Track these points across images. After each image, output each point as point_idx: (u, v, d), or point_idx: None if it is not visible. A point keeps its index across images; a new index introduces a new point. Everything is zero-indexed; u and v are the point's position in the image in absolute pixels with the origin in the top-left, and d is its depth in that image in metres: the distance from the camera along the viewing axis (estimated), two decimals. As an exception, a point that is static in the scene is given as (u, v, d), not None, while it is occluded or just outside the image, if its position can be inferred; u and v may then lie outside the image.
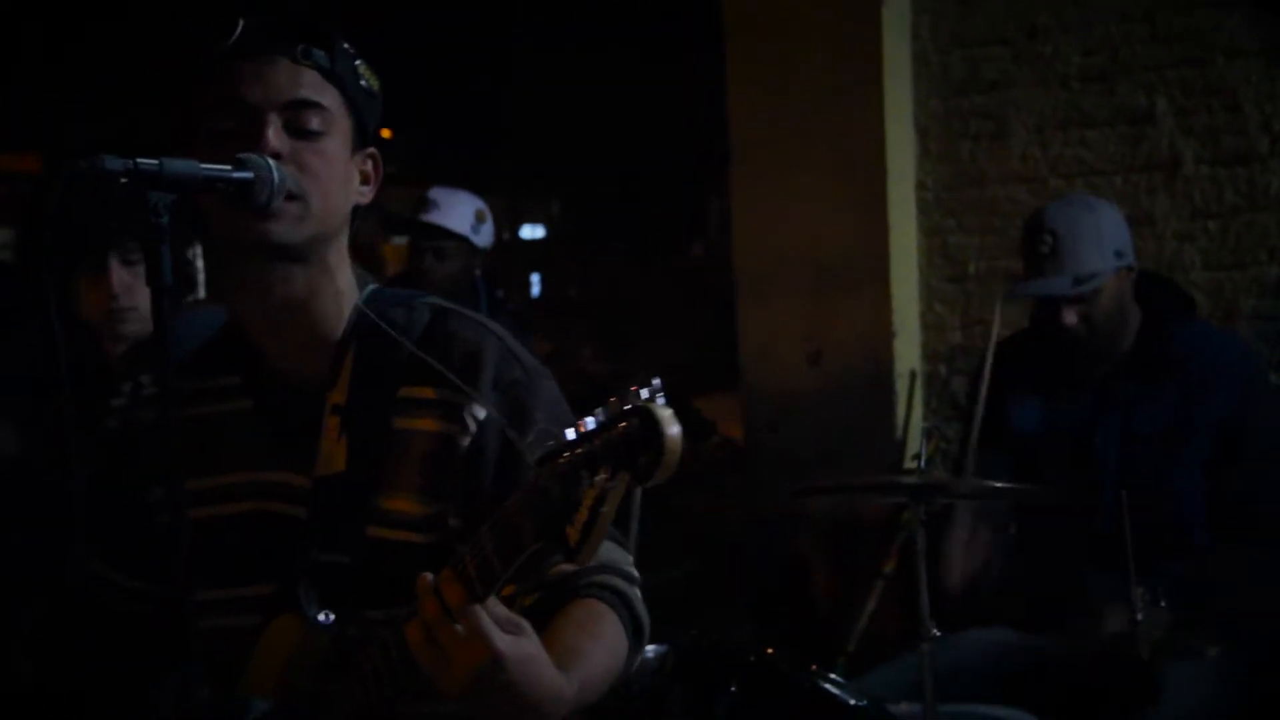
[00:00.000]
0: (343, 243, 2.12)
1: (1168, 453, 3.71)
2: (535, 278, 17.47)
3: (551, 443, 1.67)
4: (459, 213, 5.15)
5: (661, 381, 1.59)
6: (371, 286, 2.17)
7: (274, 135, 1.97)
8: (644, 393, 1.57)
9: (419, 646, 1.75)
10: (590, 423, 1.62)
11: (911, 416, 5.40)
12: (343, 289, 2.10)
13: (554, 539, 1.64)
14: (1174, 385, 3.73)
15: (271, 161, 1.92)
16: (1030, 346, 4.02)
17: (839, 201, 5.49)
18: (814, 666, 3.02)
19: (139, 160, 1.73)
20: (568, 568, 1.99)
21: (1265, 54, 4.75)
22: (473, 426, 2.04)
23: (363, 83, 2.10)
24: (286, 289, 2.04)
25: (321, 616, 1.99)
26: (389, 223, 6.07)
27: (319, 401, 2.08)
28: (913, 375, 5.45)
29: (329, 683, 1.96)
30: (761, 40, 5.67)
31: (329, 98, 2.03)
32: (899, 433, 5.38)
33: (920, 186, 5.51)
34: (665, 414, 1.54)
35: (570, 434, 1.63)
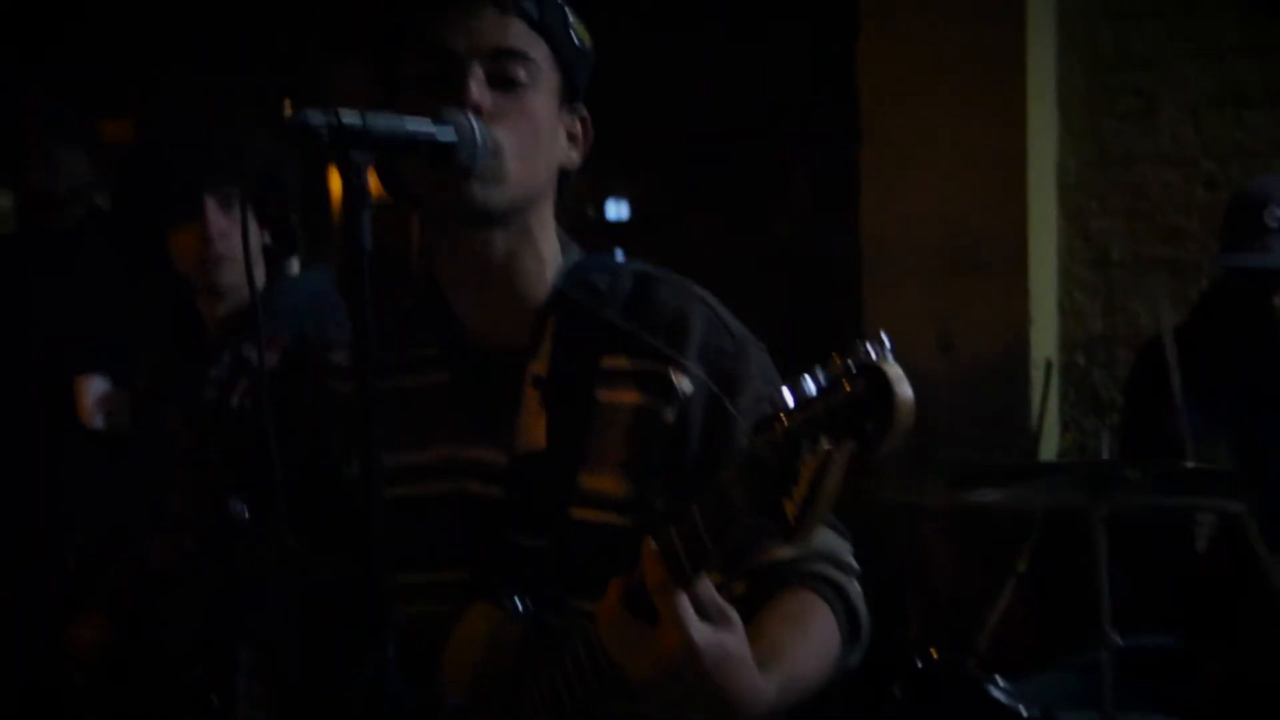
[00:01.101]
0: (547, 207, 2.00)
1: None
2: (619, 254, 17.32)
3: (766, 408, 1.54)
4: None
5: (889, 338, 1.45)
6: (573, 250, 2.05)
7: (477, 87, 1.86)
8: (869, 349, 1.43)
9: (610, 630, 1.68)
10: (809, 385, 1.49)
11: (1047, 408, 5.14)
12: (545, 255, 1.99)
13: (770, 514, 1.52)
14: None
15: (474, 119, 1.80)
16: (1189, 342, 3.78)
17: (974, 181, 5.24)
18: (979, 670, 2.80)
19: (342, 114, 1.63)
20: (781, 552, 1.86)
21: None
22: (678, 399, 1.91)
23: (573, 36, 1.98)
24: (486, 254, 1.94)
25: (519, 604, 1.89)
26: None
27: (519, 373, 1.97)
28: (1049, 365, 5.18)
29: (527, 674, 1.86)
30: (892, 11, 5.43)
31: (536, 49, 1.92)
32: (1033, 424, 5.13)
33: (1062, 168, 5.24)
34: (895, 372, 1.41)
35: (787, 398, 1.50)
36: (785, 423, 1.50)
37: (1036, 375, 5.17)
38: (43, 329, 4.07)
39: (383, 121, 1.68)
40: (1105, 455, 3.78)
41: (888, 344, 1.44)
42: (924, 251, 5.34)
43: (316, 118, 1.62)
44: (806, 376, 1.49)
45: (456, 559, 1.95)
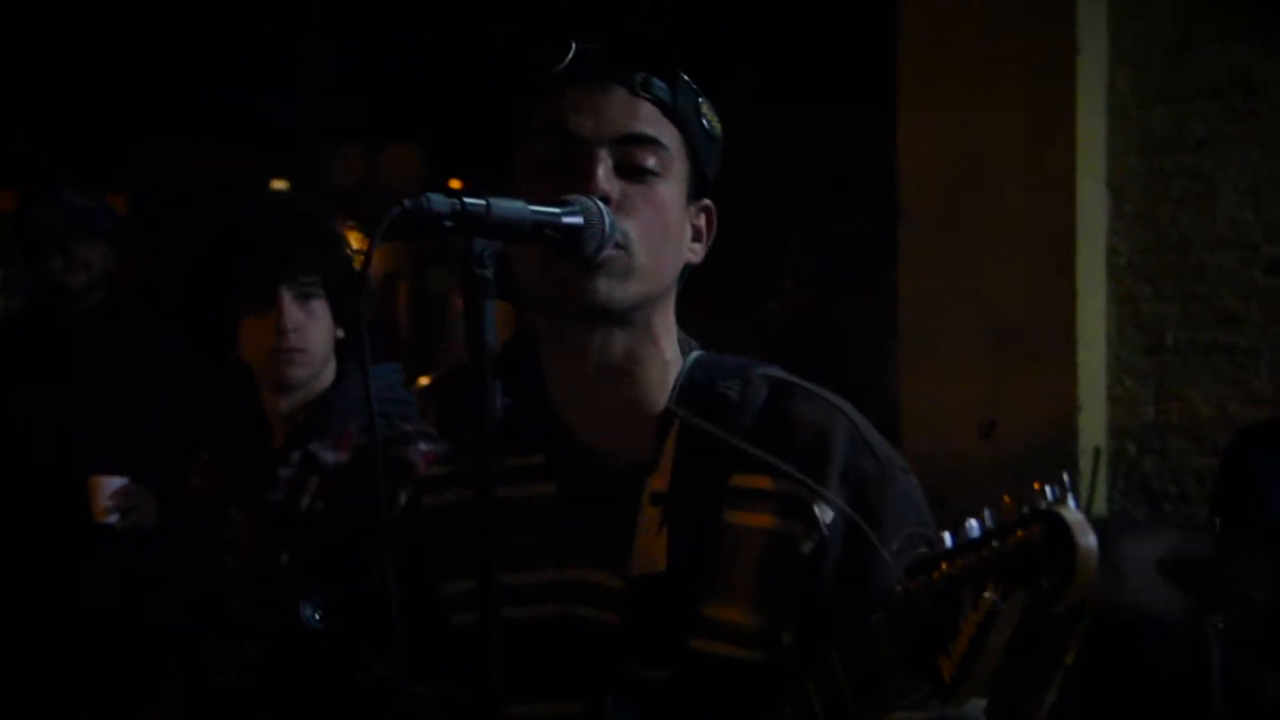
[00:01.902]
0: (670, 306, 1.81)
1: None
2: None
3: (923, 550, 1.42)
4: None
5: (1071, 479, 1.31)
6: (697, 353, 1.85)
7: (604, 174, 1.69)
8: (1049, 491, 1.29)
9: None
10: (973, 527, 1.33)
11: (1095, 498, 4.96)
12: (668, 357, 1.80)
13: (924, 671, 1.37)
14: None
15: (602, 205, 1.64)
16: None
17: (1021, 262, 5.10)
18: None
19: (466, 200, 1.50)
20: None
21: None
22: (818, 528, 1.70)
23: (705, 122, 1.80)
24: (605, 355, 1.75)
25: None
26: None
27: (636, 488, 1.77)
28: (1097, 452, 5.02)
29: None
30: (938, 89, 5.31)
31: (668, 135, 1.75)
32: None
33: (1112, 250, 5.10)
34: (1078, 520, 1.26)
35: (948, 540, 1.35)
36: (945, 568, 1.35)
37: (1084, 463, 5.00)
38: (49, 422, 3.90)
39: (507, 206, 1.53)
40: None
41: (1068, 484, 1.29)
42: (965, 334, 5.19)
43: (441, 203, 1.48)
44: (971, 519, 1.34)
45: (567, 690, 1.75)
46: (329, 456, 2.74)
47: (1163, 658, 3.07)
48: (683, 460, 1.76)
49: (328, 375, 2.79)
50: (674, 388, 1.80)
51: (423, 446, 2.73)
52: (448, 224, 1.49)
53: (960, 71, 5.25)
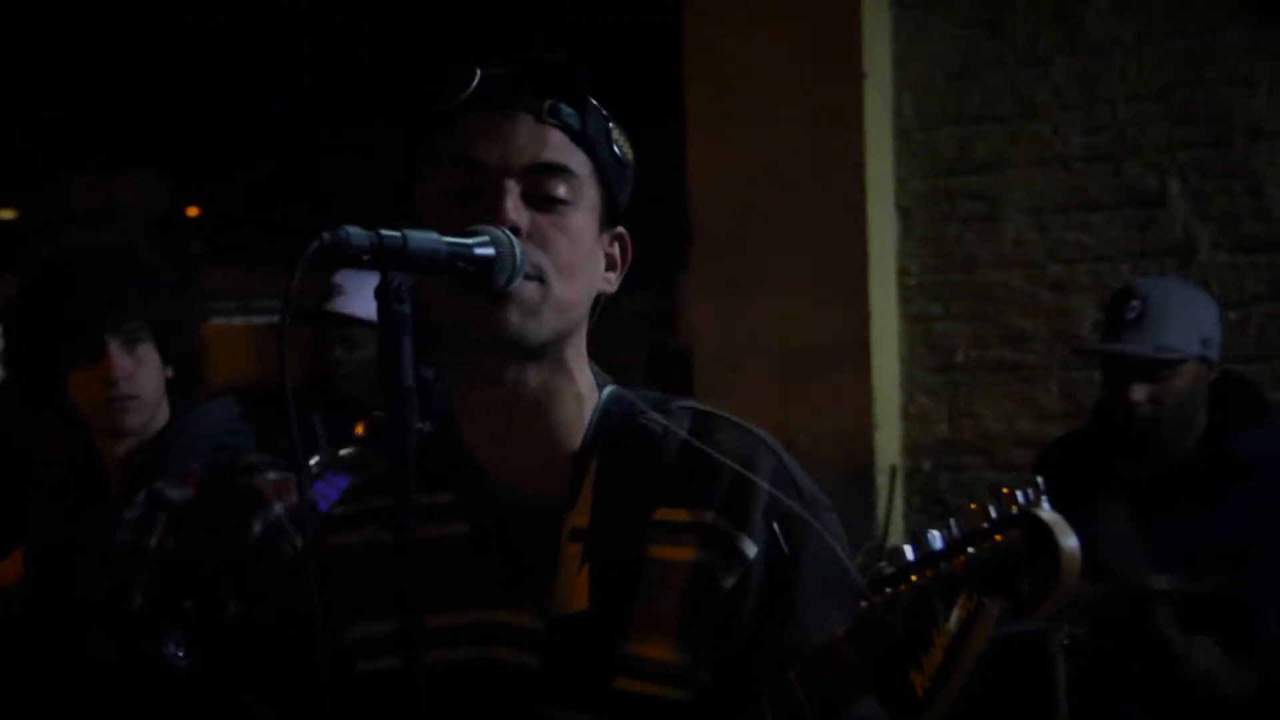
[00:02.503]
0: (582, 337, 1.77)
1: (1238, 570, 3.38)
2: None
3: (882, 564, 1.36)
4: (363, 298, 4.69)
5: (1044, 481, 1.29)
6: (612, 387, 1.80)
7: (513, 205, 1.65)
8: (1020, 494, 1.27)
9: None
10: (936, 538, 1.31)
11: (892, 515, 5.02)
12: (583, 391, 1.77)
13: (894, 688, 1.33)
14: (1243, 495, 3.41)
15: (511, 236, 1.61)
16: (1076, 451, 3.69)
17: (814, 285, 5.14)
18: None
19: (383, 233, 1.47)
20: None
21: (1292, 135, 4.52)
22: (740, 561, 1.67)
23: (615, 148, 1.76)
24: (519, 390, 1.72)
25: None
26: (296, 313, 5.58)
27: (555, 524, 1.73)
28: (893, 470, 5.09)
29: None
30: (727, 112, 5.33)
31: (577, 162, 1.72)
32: (878, 532, 4.99)
33: (902, 270, 5.18)
34: (1058, 521, 1.24)
35: (909, 553, 1.33)
36: (914, 580, 1.32)
37: (881, 481, 5.06)
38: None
39: (422, 239, 1.50)
40: None
41: (1042, 486, 1.27)
42: (759, 355, 5.21)
43: (360, 236, 1.45)
44: (933, 530, 1.32)
45: None
46: (175, 494, 2.73)
47: (1013, 671, 3.09)
48: (603, 495, 1.72)
49: (161, 416, 2.77)
50: (590, 422, 1.75)
51: (271, 475, 2.74)
52: (365, 257, 1.45)
53: (748, 95, 5.27)
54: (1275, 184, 4.55)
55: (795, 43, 5.22)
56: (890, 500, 5.04)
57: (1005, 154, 5.00)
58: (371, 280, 4.70)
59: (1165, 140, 4.72)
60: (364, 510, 1.83)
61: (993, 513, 1.27)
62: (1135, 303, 3.43)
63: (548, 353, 1.70)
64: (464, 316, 1.65)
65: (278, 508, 2.72)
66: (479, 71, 1.70)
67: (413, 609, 1.48)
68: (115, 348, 2.69)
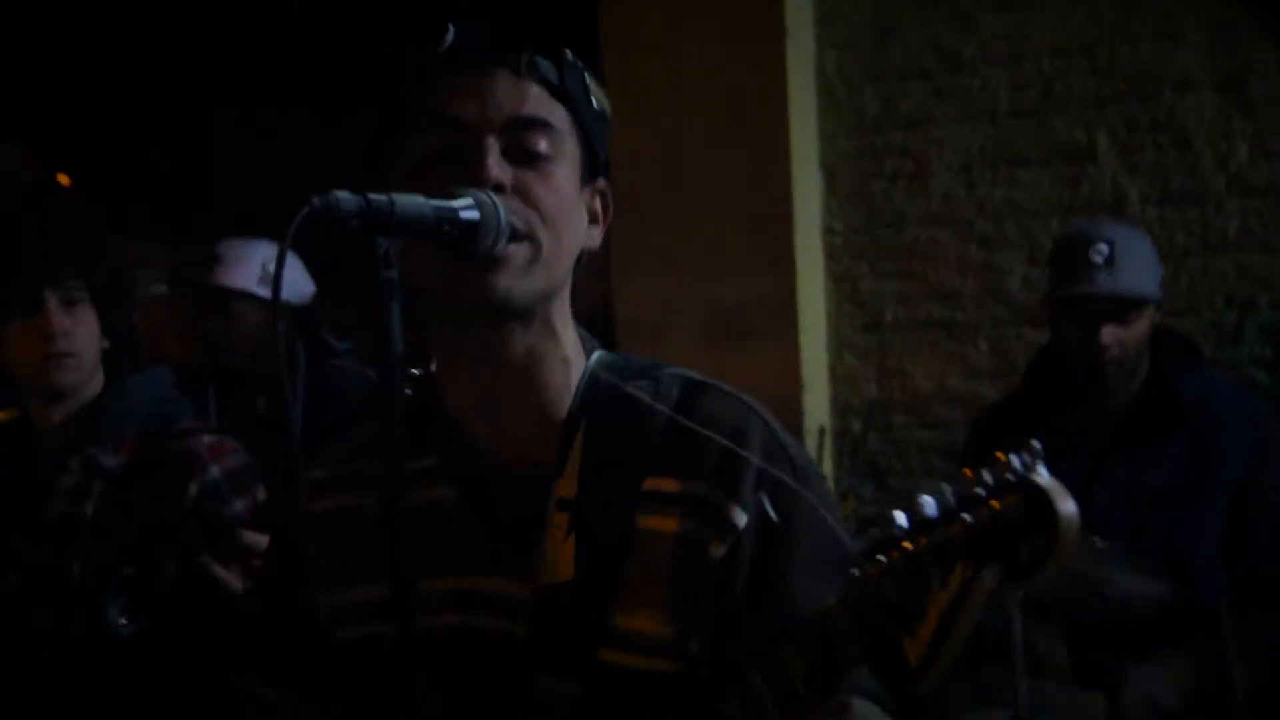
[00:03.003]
0: (566, 297, 1.72)
1: (1179, 512, 3.44)
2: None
3: (875, 530, 1.34)
4: (243, 268, 4.59)
5: (1041, 446, 1.27)
6: (600, 352, 1.76)
7: (494, 162, 1.62)
8: (1016, 460, 1.25)
9: None
10: (930, 504, 1.28)
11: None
12: (569, 354, 1.73)
13: (888, 656, 1.32)
14: (1183, 440, 3.48)
15: (495, 196, 1.58)
16: (1021, 406, 3.72)
17: (739, 245, 5.09)
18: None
19: (370, 196, 1.45)
20: None
21: (1219, 88, 4.54)
22: (731, 531, 1.65)
23: (594, 102, 1.72)
24: (505, 355, 1.69)
25: None
26: (173, 282, 5.45)
27: (542, 493, 1.70)
28: (822, 431, 5.06)
29: None
30: (647, 72, 5.25)
31: (557, 116, 1.69)
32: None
33: (828, 229, 5.14)
34: (1055, 486, 1.23)
35: (902, 519, 1.30)
36: (908, 548, 1.29)
37: (810, 443, 5.03)
38: None
39: (410, 203, 1.48)
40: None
41: (1040, 450, 1.25)
42: (685, 319, 5.15)
43: (349, 201, 1.43)
44: (926, 496, 1.30)
45: (470, 704, 1.65)
46: (109, 461, 2.71)
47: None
48: (591, 464, 1.69)
49: (96, 384, 2.76)
50: (578, 388, 1.72)
51: (206, 439, 2.74)
52: (354, 223, 1.43)
53: (669, 56, 5.20)
54: (1203, 137, 4.57)
55: (716, 1, 5.16)
56: (820, 461, 5.01)
57: (931, 110, 4.98)
58: (252, 250, 4.62)
59: (1093, 95, 4.72)
60: (343, 474, 1.78)
61: (988, 479, 1.25)
62: (1102, 246, 3.43)
63: (534, 313, 1.67)
64: (452, 281, 1.61)
65: (214, 470, 2.72)
66: (453, 28, 1.67)
67: (407, 577, 1.46)
68: (54, 304, 2.67)
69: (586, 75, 1.72)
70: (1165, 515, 3.44)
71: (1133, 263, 3.44)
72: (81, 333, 2.70)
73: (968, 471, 1.26)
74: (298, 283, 4.61)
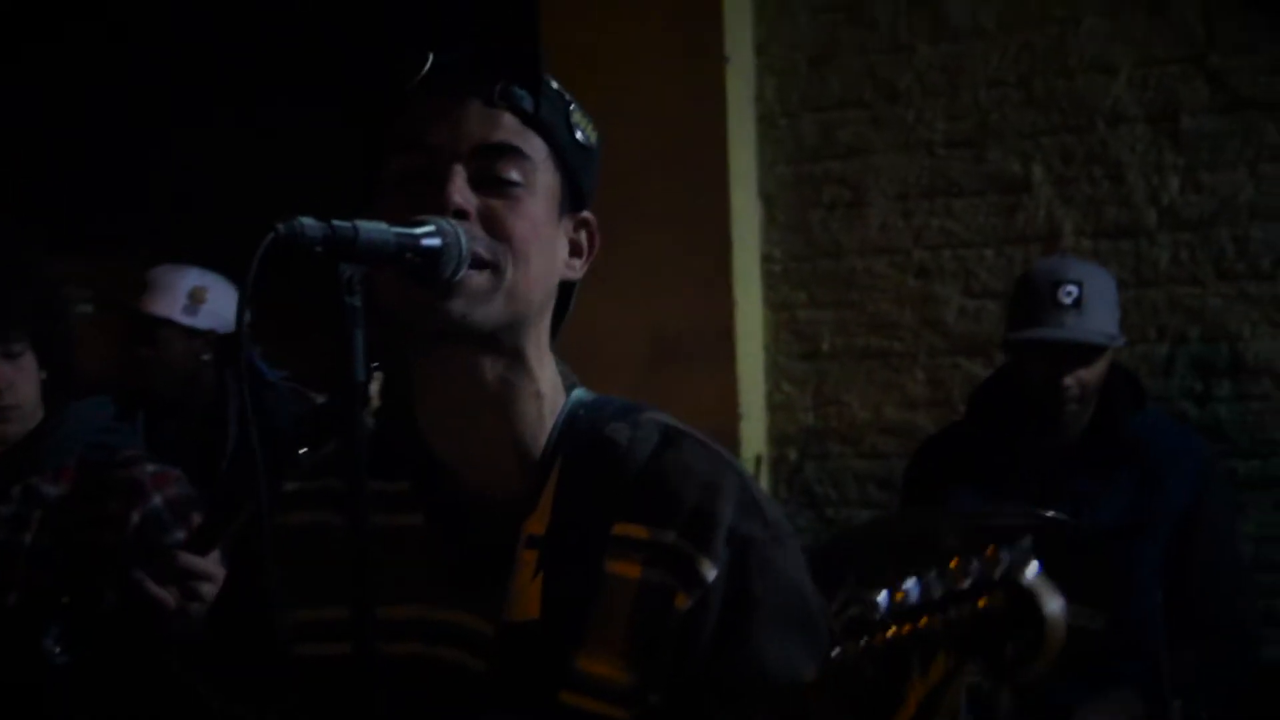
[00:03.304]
0: (543, 330, 1.72)
1: (1123, 548, 3.45)
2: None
3: (855, 608, 1.33)
4: (168, 296, 4.59)
5: (1033, 539, 1.27)
6: (580, 390, 1.77)
7: (457, 187, 1.63)
8: (1004, 554, 1.24)
9: None
10: (913, 589, 1.28)
11: (759, 505, 4.99)
12: (544, 390, 1.72)
13: None
14: (1128, 476, 3.51)
15: (456, 224, 1.58)
16: (965, 437, 3.72)
17: (677, 271, 5.08)
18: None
19: (335, 223, 1.46)
20: None
21: (1151, 121, 4.56)
22: (699, 585, 1.64)
23: (578, 132, 1.73)
24: (473, 383, 1.68)
25: None
26: (102, 306, 5.43)
27: (512, 528, 1.69)
28: (759, 460, 5.06)
29: None
30: (587, 98, 5.21)
31: (531, 145, 1.69)
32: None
33: (766, 257, 5.14)
34: (1043, 586, 1.22)
35: (882, 600, 1.30)
36: (891, 633, 1.28)
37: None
38: None
39: (373, 230, 1.49)
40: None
41: (1028, 546, 1.25)
42: (623, 344, 5.13)
43: (314, 228, 1.43)
44: (910, 579, 1.29)
45: None
46: (50, 489, 2.71)
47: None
48: (563, 504, 1.68)
49: (37, 415, 2.77)
50: (554, 425, 1.71)
51: (150, 468, 2.74)
52: (318, 249, 1.43)
53: (608, 81, 5.18)
54: (1136, 170, 4.58)
55: (656, 27, 5.15)
56: (757, 489, 5.00)
57: (869, 140, 4.98)
58: (181, 278, 4.59)
59: (1028, 126, 4.74)
60: (314, 490, 1.78)
61: (975, 571, 1.24)
62: (1071, 287, 3.44)
63: (502, 342, 1.65)
64: (413, 307, 1.60)
65: (156, 499, 2.71)
66: (431, 56, 1.68)
67: (368, 603, 1.45)
68: None
69: (571, 106, 1.73)
70: (1111, 551, 3.45)
71: (1100, 304, 3.47)
72: (23, 381, 2.71)
73: (954, 562, 1.25)
74: (225, 311, 4.58)
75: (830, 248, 5.04)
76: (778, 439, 5.11)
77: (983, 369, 4.60)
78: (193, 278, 4.56)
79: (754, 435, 5.08)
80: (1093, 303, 3.46)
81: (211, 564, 2.42)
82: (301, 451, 2.13)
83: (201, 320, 4.54)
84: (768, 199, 5.15)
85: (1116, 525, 3.48)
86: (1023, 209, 4.74)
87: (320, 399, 4.65)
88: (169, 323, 4.51)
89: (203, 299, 4.54)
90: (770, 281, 5.14)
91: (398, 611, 1.66)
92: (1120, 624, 3.27)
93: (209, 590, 2.39)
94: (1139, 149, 4.59)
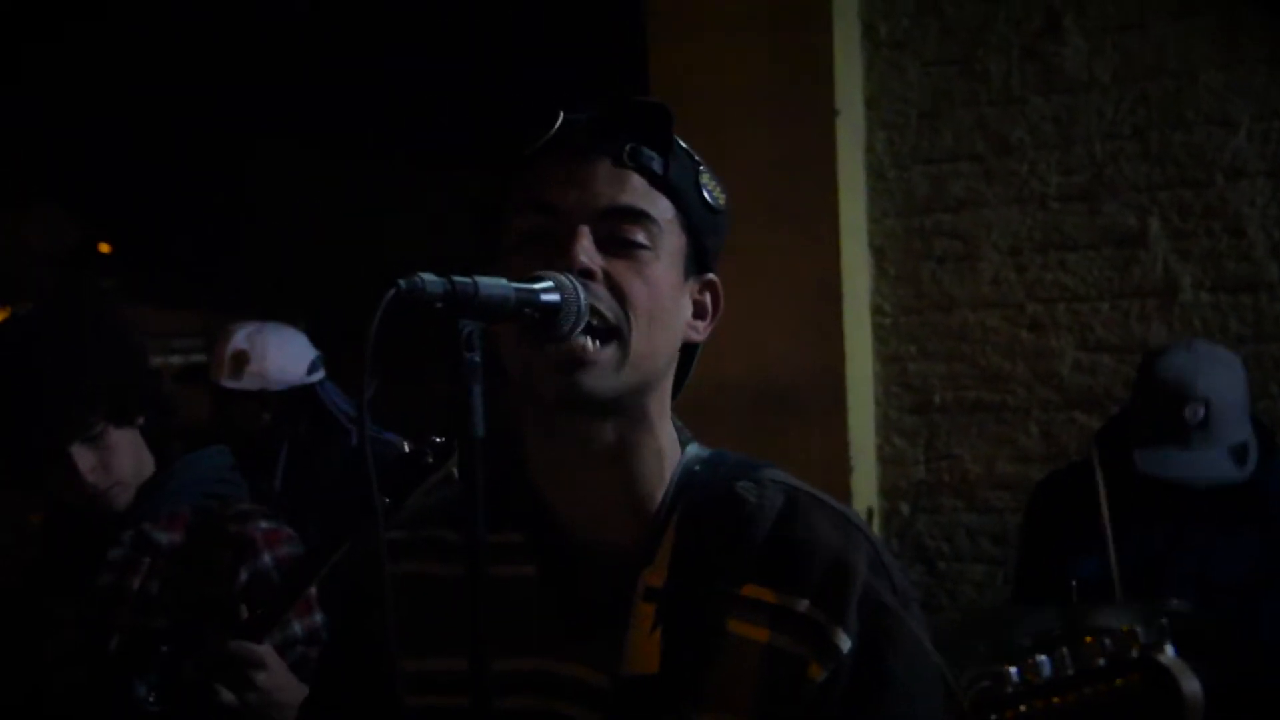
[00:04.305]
0: (666, 389, 1.72)
1: (1251, 603, 3.38)
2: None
3: (985, 682, 1.36)
4: (215, 362, 4.66)
5: (1169, 622, 1.29)
6: (694, 445, 1.76)
7: (584, 248, 1.61)
8: (1140, 634, 1.26)
9: None
10: (1044, 664, 1.30)
11: (870, 558, 4.96)
12: (663, 446, 1.71)
13: None
14: (1258, 529, 3.42)
15: (575, 280, 1.57)
16: (1085, 483, 3.64)
17: (787, 325, 5.07)
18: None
19: (455, 279, 1.45)
20: None
21: (1272, 175, 4.52)
22: (836, 655, 1.61)
23: (706, 194, 1.72)
24: (593, 442, 1.67)
25: None
26: (186, 376, 5.46)
27: (629, 580, 1.67)
28: (870, 513, 5.02)
29: None
30: (699, 146, 5.24)
31: (658, 208, 1.67)
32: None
33: (877, 310, 5.13)
34: (1180, 666, 1.23)
35: (1013, 676, 1.32)
36: (1024, 709, 1.30)
37: (858, 525, 4.99)
38: None
39: (491, 284, 1.48)
40: None
41: (1167, 627, 1.26)
42: (733, 398, 5.12)
43: (435, 283, 1.43)
44: (1041, 656, 1.30)
45: None
46: (162, 537, 2.70)
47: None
48: (683, 557, 1.65)
49: (147, 466, 2.75)
50: (672, 478, 1.70)
51: (263, 525, 2.73)
52: (438, 305, 1.42)
53: (718, 134, 5.20)
54: (1256, 224, 4.54)
55: (767, 80, 5.17)
56: (868, 543, 4.97)
57: (980, 193, 4.97)
58: (226, 342, 4.55)
59: (1144, 180, 4.70)
60: (422, 539, 1.77)
61: (1111, 649, 1.25)
62: (1199, 407, 3.37)
63: (624, 407, 1.65)
64: (533, 371, 1.60)
65: (266, 557, 2.71)
66: (561, 115, 1.66)
67: (484, 659, 1.44)
68: (78, 452, 2.64)
69: (701, 168, 1.72)
70: (1234, 605, 3.39)
71: (1230, 415, 3.38)
72: (114, 458, 2.68)
73: (1089, 639, 1.24)
74: (273, 368, 4.57)
75: (941, 300, 5.02)
76: (889, 492, 5.09)
77: (1098, 423, 4.55)
78: (239, 339, 4.58)
79: (865, 488, 5.06)
80: (1220, 419, 3.38)
81: (265, 651, 2.42)
82: (386, 500, 2.14)
83: (247, 383, 4.55)
84: (878, 251, 5.14)
85: (1242, 580, 3.41)
86: (1138, 263, 4.70)
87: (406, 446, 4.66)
88: (217, 388, 4.58)
89: (245, 360, 4.56)
90: (880, 334, 5.12)
91: (512, 664, 1.64)
92: (1247, 683, 3.22)
93: (263, 679, 2.39)
94: (1259, 202, 4.54)
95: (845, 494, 4.99)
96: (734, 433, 4.93)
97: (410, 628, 1.69)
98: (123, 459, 2.68)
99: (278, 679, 2.39)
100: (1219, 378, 3.49)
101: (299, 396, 4.54)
